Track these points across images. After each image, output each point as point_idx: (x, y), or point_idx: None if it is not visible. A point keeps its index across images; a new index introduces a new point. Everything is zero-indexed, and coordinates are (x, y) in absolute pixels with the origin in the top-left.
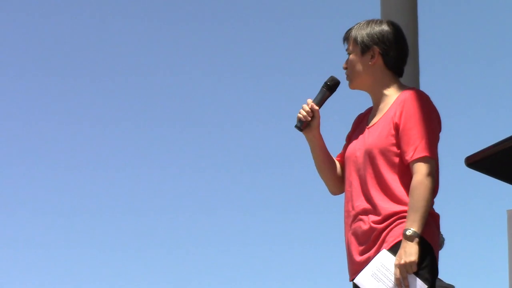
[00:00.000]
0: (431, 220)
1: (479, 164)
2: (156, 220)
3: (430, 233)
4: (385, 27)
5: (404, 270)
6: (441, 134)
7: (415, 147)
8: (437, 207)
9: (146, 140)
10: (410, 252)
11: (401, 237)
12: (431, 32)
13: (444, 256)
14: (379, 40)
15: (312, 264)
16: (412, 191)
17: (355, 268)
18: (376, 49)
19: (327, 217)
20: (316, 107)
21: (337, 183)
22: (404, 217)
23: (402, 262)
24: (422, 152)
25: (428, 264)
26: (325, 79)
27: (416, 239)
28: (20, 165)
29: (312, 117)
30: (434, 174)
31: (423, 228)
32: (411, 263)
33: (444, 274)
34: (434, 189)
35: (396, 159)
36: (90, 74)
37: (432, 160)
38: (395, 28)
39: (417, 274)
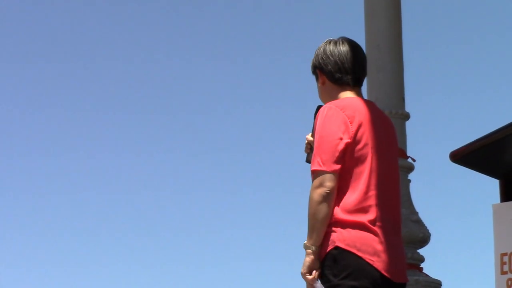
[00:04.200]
0: (347, 226)
1: (464, 159)
2: (154, 224)
3: (346, 239)
4: (321, 47)
5: (305, 280)
6: (425, 131)
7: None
8: (423, 202)
9: (145, 142)
10: (303, 264)
11: (323, 255)
12: (415, 27)
13: (430, 252)
14: (316, 61)
15: None
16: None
17: None
18: (318, 71)
19: None
20: (311, 139)
21: None
22: (325, 231)
23: (301, 275)
24: (312, 166)
25: (350, 270)
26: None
27: (308, 251)
28: (22, 169)
29: (312, 148)
30: (322, 185)
31: (337, 236)
32: (302, 274)
33: (430, 270)
34: (322, 200)
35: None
36: (91, 75)
37: (319, 172)
38: (330, 45)
39: (337, 285)
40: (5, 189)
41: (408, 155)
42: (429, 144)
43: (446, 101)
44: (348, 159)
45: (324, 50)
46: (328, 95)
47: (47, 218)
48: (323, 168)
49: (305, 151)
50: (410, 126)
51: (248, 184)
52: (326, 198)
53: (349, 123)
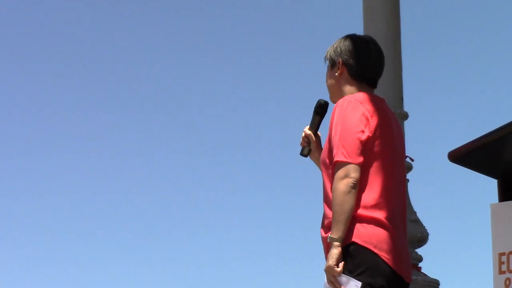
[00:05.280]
0: (364, 222)
1: (463, 158)
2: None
3: (363, 235)
4: (348, 40)
5: (328, 274)
6: (423, 130)
7: (333, 154)
8: (421, 202)
9: (145, 140)
10: (330, 256)
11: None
12: (414, 26)
13: (428, 251)
14: (341, 52)
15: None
16: (331, 198)
17: None
18: (340, 60)
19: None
20: (309, 132)
21: None
22: None
23: (324, 268)
24: (336, 157)
25: (366, 266)
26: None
27: (336, 243)
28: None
29: (309, 142)
30: (348, 176)
31: (354, 232)
32: (328, 267)
33: (428, 269)
34: (348, 190)
35: (329, 173)
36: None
37: (344, 163)
38: (361, 41)
39: (354, 277)
40: (4, 189)
41: (406, 154)
42: (428, 143)
43: (445, 100)
44: (366, 154)
45: (353, 44)
46: (339, 86)
47: (46, 218)
48: (349, 160)
49: (301, 144)
50: (408, 125)
51: (248, 184)
52: (352, 188)
53: (369, 117)
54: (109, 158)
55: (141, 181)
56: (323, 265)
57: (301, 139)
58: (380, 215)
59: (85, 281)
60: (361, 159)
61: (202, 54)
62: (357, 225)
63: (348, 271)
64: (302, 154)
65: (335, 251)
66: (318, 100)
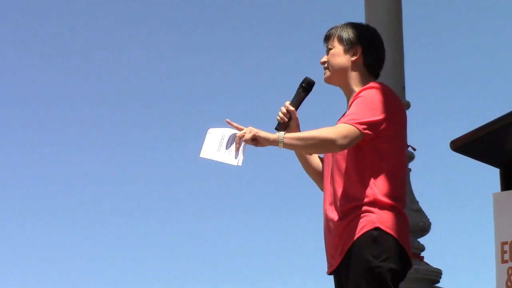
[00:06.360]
0: (386, 209)
1: (465, 148)
2: (153, 225)
3: (386, 221)
4: (369, 30)
5: (246, 133)
6: (425, 120)
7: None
8: (423, 191)
9: (145, 141)
10: (262, 133)
11: (359, 234)
12: (415, 16)
13: (431, 241)
14: (363, 39)
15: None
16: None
17: (330, 262)
18: (360, 47)
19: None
20: (292, 108)
21: (321, 179)
22: (360, 211)
23: (251, 129)
24: (345, 120)
25: (390, 253)
26: (301, 80)
27: (275, 139)
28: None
29: (290, 118)
30: (345, 136)
31: (378, 218)
32: (251, 131)
33: (430, 259)
34: (332, 147)
35: (350, 157)
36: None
37: (350, 127)
38: (377, 33)
39: (378, 266)
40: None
41: (408, 144)
42: (429, 133)
43: (447, 90)
44: (390, 144)
45: (375, 37)
46: (349, 70)
47: (45, 216)
48: (359, 127)
49: (281, 119)
50: (410, 115)
51: (248, 182)
52: (334, 148)
53: (398, 107)
54: (107, 154)
55: (140, 179)
56: (322, 263)
57: (280, 113)
58: (400, 204)
59: (84, 280)
60: (366, 132)
61: (200, 49)
62: (381, 212)
63: (373, 256)
64: (278, 129)
65: (268, 140)
66: (306, 77)
